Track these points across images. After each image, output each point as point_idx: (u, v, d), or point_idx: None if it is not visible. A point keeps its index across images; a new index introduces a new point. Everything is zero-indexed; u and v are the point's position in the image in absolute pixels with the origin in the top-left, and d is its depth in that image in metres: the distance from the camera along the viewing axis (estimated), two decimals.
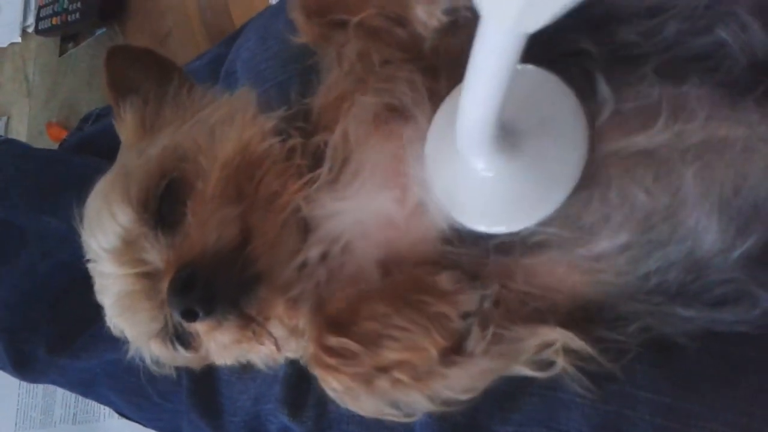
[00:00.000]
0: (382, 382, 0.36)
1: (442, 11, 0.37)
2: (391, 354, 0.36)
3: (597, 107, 0.34)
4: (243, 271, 0.38)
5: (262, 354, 0.43)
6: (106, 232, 0.41)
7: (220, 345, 0.41)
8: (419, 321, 0.35)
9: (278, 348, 0.41)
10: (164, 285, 0.38)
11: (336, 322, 0.38)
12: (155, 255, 0.39)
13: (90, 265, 0.43)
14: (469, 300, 0.36)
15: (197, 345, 0.42)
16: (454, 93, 0.35)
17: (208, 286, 0.36)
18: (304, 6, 0.41)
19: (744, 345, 0.37)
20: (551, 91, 0.34)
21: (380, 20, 0.39)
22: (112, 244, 0.41)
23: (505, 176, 0.33)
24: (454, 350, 0.36)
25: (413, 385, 0.36)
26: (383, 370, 0.36)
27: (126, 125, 0.46)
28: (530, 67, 0.34)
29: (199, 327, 0.40)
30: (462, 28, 0.37)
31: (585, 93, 0.34)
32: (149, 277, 0.39)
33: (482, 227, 0.35)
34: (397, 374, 0.36)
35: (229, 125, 0.42)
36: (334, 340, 0.37)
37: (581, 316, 0.37)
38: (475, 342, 0.35)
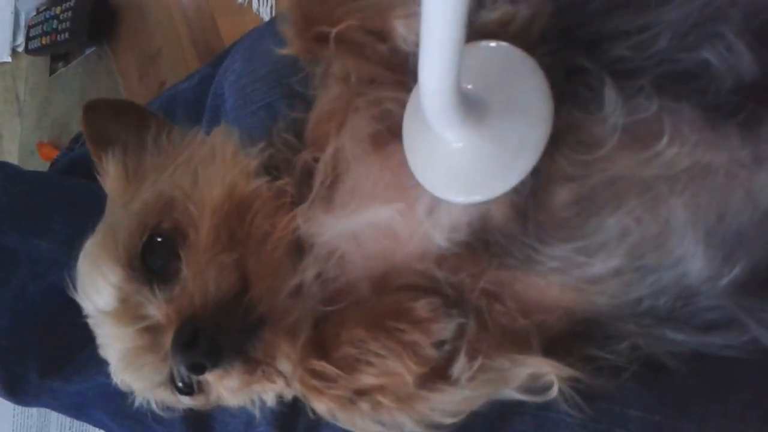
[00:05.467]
0: (364, 405, 0.36)
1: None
2: (366, 378, 0.36)
3: (604, 116, 0.34)
4: (245, 317, 0.38)
5: (273, 391, 0.43)
6: (100, 294, 0.41)
7: (230, 390, 0.41)
8: (393, 347, 0.35)
9: (288, 384, 0.41)
10: (167, 339, 0.38)
11: (320, 344, 0.38)
12: (154, 309, 0.39)
13: (89, 321, 0.43)
14: (444, 329, 0.36)
15: (207, 390, 0.42)
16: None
17: (212, 338, 0.37)
18: (293, 20, 0.42)
19: (732, 364, 0.37)
20: (520, 68, 0.35)
21: (361, 35, 0.39)
22: (108, 306, 0.41)
23: (474, 147, 0.34)
24: (440, 376, 0.36)
25: (395, 407, 0.36)
26: (363, 393, 0.36)
27: (109, 178, 0.46)
28: (503, 44, 0.35)
29: (208, 376, 0.40)
30: None
31: (589, 107, 0.34)
32: (151, 330, 0.39)
33: (461, 198, 0.36)
34: (378, 397, 0.36)
35: (211, 165, 0.42)
36: (316, 364, 0.37)
37: (571, 334, 0.37)
38: (461, 370, 0.35)
